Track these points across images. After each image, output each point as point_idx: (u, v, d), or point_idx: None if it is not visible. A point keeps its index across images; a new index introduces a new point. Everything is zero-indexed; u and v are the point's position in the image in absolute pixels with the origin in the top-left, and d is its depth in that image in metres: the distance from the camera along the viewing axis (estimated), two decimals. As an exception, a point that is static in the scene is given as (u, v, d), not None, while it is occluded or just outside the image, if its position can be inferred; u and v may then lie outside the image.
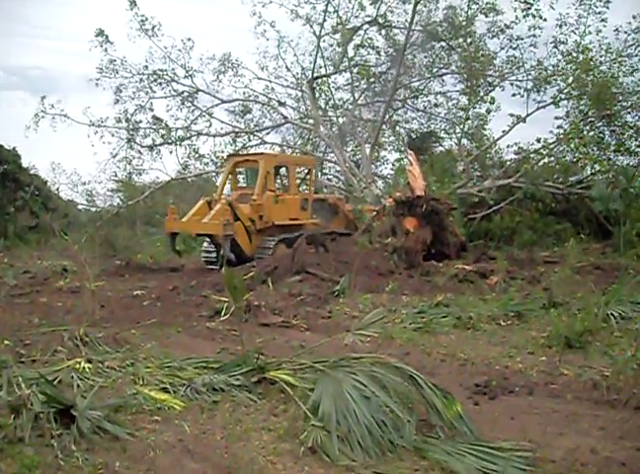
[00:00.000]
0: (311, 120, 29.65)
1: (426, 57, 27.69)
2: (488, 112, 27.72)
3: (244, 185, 19.93)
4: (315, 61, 28.17)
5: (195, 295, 13.42)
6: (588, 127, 24.15)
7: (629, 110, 23.69)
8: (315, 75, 28.38)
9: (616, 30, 24.19)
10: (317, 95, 29.32)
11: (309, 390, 6.18)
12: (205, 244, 19.02)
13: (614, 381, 7.25)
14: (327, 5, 27.63)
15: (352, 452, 5.26)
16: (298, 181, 20.86)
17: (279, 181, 20.21)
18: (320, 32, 27.97)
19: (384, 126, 29.99)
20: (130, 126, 28.70)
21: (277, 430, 5.72)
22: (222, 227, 16.49)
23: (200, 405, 6.25)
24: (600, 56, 24.37)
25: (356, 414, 5.57)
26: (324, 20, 27.90)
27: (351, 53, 28.82)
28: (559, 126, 24.99)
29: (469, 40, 26.77)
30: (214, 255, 18.04)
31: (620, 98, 23.20)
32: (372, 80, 29.40)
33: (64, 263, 18.96)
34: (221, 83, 29.67)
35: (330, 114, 30.22)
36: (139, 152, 29.00)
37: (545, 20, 24.56)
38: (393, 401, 5.79)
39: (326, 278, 14.41)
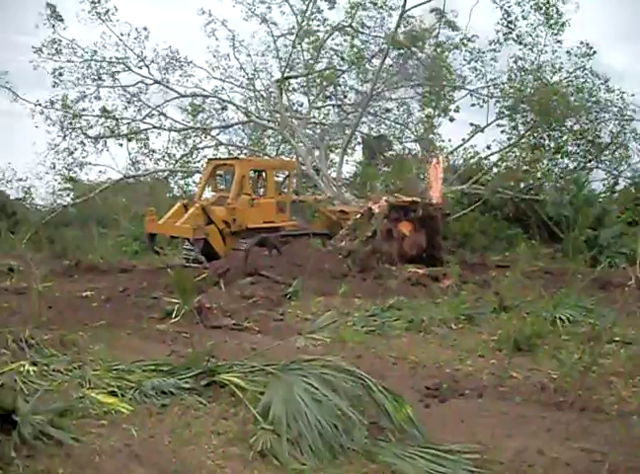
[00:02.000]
0: (263, 121, 29.55)
1: (392, 66, 27.77)
2: (451, 120, 28.34)
3: (223, 187, 19.98)
4: (288, 61, 28.15)
5: (145, 297, 13.27)
6: (529, 133, 25.11)
7: (570, 117, 24.64)
8: (285, 75, 28.29)
9: (568, 52, 25.80)
10: (275, 96, 29.23)
11: (260, 393, 6.12)
12: (186, 245, 19.05)
13: (561, 384, 7.37)
14: (308, 4, 27.70)
15: (302, 456, 5.23)
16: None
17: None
18: (299, 31, 27.91)
19: (335, 130, 30.19)
20: (70, 115, 27.37)
21: (226, 433, 5.66)
22: (192, 231, 16.80)
23: (149, 408, 6.14)
24: (553, 74, 25.96)
25: (307, 417, 5.54)
26: (303, 20, 27.88)
27: (307, 56, 28.90)
28: (503, 131, 26.39)
29: (434, 49, 27.18)
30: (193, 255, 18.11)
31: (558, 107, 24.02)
32: (325, 84, 29.45)
33: (11, 262, 18.56)
34: (169, 82, 28.80)
35: (277, 116, 29.98)
36: (82, 143, 27.72)
37: (526, 46, 25.72)
38: (344, 404, 5.78)
39: (279, 281, 14.41)
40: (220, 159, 21.44)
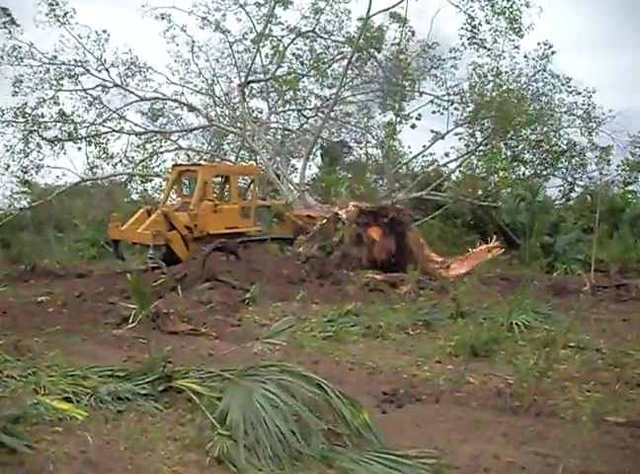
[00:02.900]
0: (225, 126, 29.44)
1: (352, 70, 27.87)
2: (413, 127, 28.61)
3: (187, 193, 19.95)
4: (250, 66, 28.12)
5: (102, 302, 13.09)
6: (486, 141, 25.45)
7: (526, 126, 25.04)
8: (249, 79, 28.31)
9: (525, 56, 26.25)
10: (236, 101, 29.24)
11: (217, 399, 6.09)
12: (151, 250, 18.94)
13: (517, 389, 7.47)
14: (272, 10, 27.76)
15: (259, 462, 5.21)
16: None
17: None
18: (260, 37, 27.95)
19: (294, 135, 30.38)
20: (30, 120, 26.80)
21: (182, 439, 5.62)
22: (152, 237, 16.79)
23: (105, 415, 6.07)
24: (513, 81, 26.26)
25: (264, 423, 5.53)
26: (265, 25, 27.95)
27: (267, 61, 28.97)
28: (461, 139, 26.78)
29: (395, 57, 27.39)
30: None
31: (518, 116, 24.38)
32: (285, 89, 29.50)
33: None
34: (129, 86, 28.37)
35: (238, 121, 29.85)
36: (38, 145, 27.14)
37: (489, 50, 26.00)
38: (302, 410, 5.77)
39: (236, 286, 14.34)
40: (185, 165, 21.41)
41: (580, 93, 26.03)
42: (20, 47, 26.37)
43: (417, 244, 18.48)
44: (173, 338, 10.27)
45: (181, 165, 21.39)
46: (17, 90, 26.68)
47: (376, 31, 27.19)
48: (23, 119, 26.76)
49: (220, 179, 20.15)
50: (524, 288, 12.66)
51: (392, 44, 27.63)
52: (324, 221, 19.00)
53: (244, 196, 20.25)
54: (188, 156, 29.55)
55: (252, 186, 20.89)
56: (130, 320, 10.83)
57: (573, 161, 26.33)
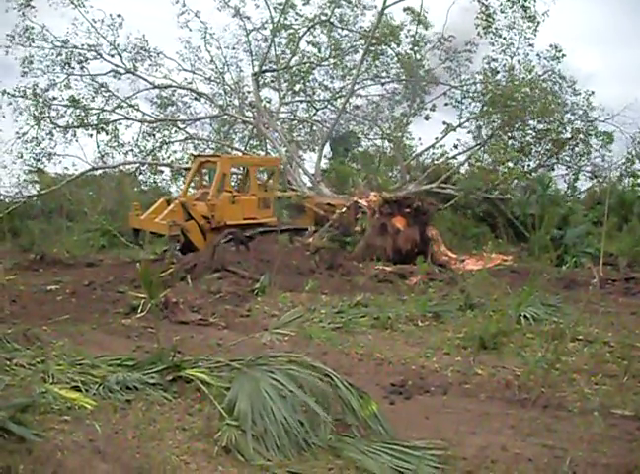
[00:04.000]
0: (238, 115, 29.37)
1: (364, 63, 27.76)
2: (426, 119, 28.70)
3: (207, 184, 20.02)
4: (265, 55, 28.05)
5: (111, 291, 13.14)
6: (496, 133, 25.41)
7: (533, 116, 25.26)
8: (263, 69, 28.24)
9: (538, 55, 26.34)
10: (249, 90, 29.26)
11: (225, 389, 6.10)
12: (168, 240, 19.03)
13: (525, 381, 7.46)
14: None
15: (267, 452, 5.23)
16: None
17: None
18: (276, 25, 27.86)
19: (303, 126, 30.53)
20: (40, 103, 26.47)
21: (191, 429, 5.63)
22: (168, 228, 16.92)
23: (113, 404, 6.08)
24: (523, 76, 26.10)
25: (272, 413, 5.54)
26: (281, 14, 27.85)
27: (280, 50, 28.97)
28: (469, 132, 26.90)
29: (410, 49, 27.39)
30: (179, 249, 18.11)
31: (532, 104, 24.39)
32: (297, 79, 29.47)
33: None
34: (139, 72, 28.05)
35: (248, 110, 29.75)
36: (51, 133, 26.89)
37: (504, 38, 26.00)
38: (310, 400, 5.78)
39: (246, 276, 14.34)
40: (205, 155, 21.47)
41: (579, 94, 26.29)
42: (32, 28, 26.06)
43: (434, 236, 18.52)
44: (182, 327, 10.30)
45: (201, 155, 21.45)
46: (26, 70, 26.40)
47: (394, 28, 27.08)
48: (33, 100, 26.38)
49: (242, 169, 20.31)
50: (533, 281, 12.63)
51: (407, 37, 27.61)
52: (343, 210, 19.07)
53: (264, 186, 20.19)
54: (193, 145, 29.53)
55: (273, 177, 20.82)
56: (140, 309, 10.87)
57: (576, 149, 26.34)
